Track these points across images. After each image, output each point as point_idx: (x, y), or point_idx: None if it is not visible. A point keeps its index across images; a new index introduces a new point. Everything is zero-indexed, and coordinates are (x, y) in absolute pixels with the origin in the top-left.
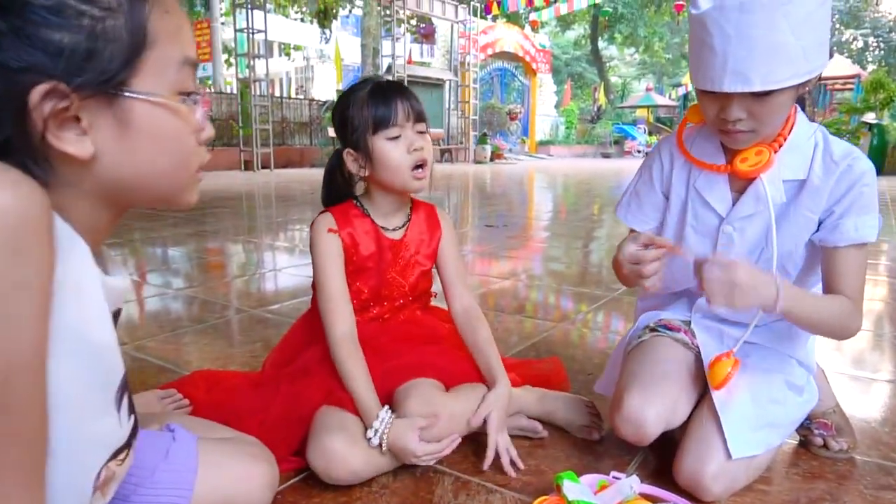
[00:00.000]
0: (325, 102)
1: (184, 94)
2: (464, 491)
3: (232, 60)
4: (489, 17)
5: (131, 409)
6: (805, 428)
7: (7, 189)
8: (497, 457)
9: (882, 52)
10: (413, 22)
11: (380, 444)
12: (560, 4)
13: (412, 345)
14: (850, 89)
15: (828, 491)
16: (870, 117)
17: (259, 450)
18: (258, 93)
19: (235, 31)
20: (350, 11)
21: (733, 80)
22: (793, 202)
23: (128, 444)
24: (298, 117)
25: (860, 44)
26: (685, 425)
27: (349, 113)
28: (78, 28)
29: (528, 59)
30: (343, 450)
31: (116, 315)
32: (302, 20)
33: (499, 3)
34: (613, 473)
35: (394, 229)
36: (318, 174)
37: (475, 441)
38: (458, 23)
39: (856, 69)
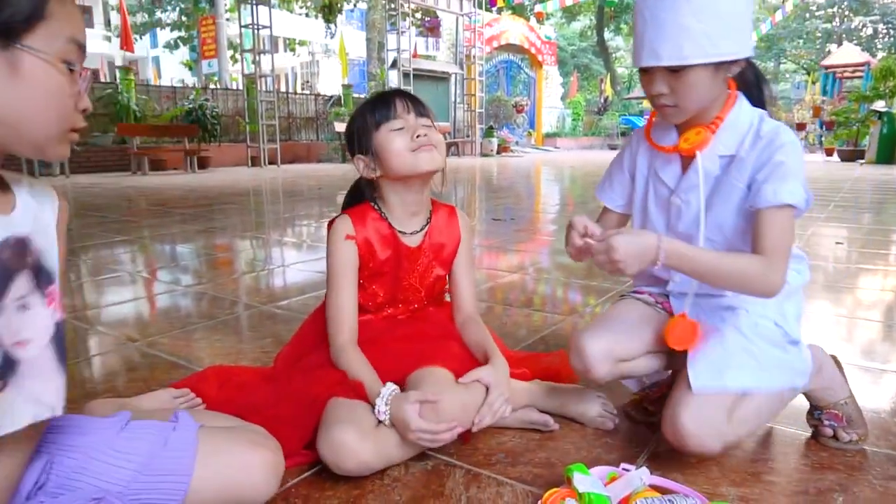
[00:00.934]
0: (330, 97)
1: (68, 63)
2: (475, 483)
3: (237, 56)
4: (494, 9)
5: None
6: (815, 419)
7: None
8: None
9: (892, 39)
10: (418, 15)
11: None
12: None
13: (425, 337)
14: (860, 77)
15: (837, 482)
16: (879, 105)
17: (262, 437)
18: (264, 88)
19: (240, 27)
20: (355, 6)
21: (649, 56)
22: (724, 174)
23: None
24: (304, 112)
25: (869, 31)
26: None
27: (355, 124)
28: None
29: (533, 51)
30: (353, 441)
31: (22, 242)
32: (307, 15)
33: None
34: (623, 465)
35: (412, 233)
36: (324, 169)
37: (486, 434)
38: (463, 15)
39: (865, 57)
